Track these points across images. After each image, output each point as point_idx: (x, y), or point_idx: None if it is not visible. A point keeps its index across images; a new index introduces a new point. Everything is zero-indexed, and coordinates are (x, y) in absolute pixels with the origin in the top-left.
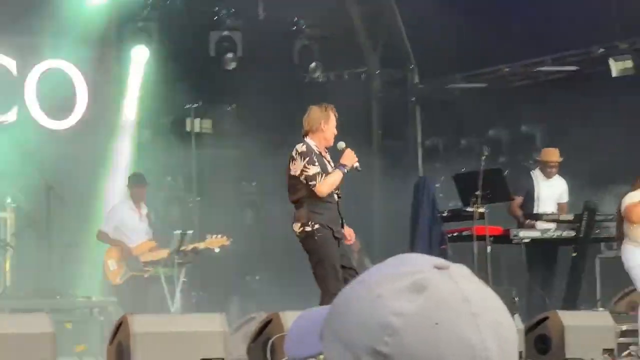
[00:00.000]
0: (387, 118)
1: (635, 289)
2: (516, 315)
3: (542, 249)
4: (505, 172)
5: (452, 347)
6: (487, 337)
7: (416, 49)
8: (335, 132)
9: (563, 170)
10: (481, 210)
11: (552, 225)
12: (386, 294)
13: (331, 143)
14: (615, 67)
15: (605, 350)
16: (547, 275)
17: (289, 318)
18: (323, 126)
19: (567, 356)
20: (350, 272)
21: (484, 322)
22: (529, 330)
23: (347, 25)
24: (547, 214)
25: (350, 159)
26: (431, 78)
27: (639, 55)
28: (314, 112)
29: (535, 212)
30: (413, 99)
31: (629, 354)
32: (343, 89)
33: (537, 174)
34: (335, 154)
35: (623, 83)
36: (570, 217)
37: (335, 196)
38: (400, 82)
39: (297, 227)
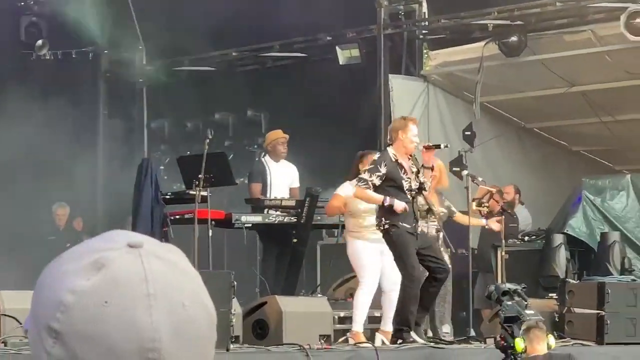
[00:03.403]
0: (113, 98)
1: (353, 277)
2: (234, 300)
3: (278, 233)
4: (230, 156)
5: (119, 326)
6: (159, 319)
7: (145, 30)
8: (416, 141)
9: (289, 157)
10: (204, 193)
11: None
12: (70, 271)
13: (411, 151)
14: (342, 55)
15: (322, 336)
16: (279, 260)
17: (6, 297)
18: (401, 136)
19: (285, 341)
20: (431, 259)
21: (161, 304)
22: (247, 315)
23: (76, 4)
24: (270, 200)
25: (399, 208)
26: (159, 60)
27: (365, 44)
28: (394, 123)
29: (268, 197)
30: (140, 80)
31: (345, 340)
32: (70, 68)
33: (267, 160)
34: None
35: (349, 70)
36: (292, 202)
37: (409, 194)
38: (128, 63)
39: (378, 222)
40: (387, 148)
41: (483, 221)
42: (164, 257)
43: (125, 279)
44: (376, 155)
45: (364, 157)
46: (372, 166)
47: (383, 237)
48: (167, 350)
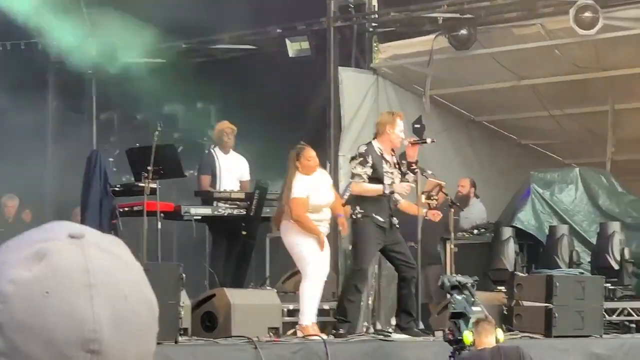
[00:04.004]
0: (63, 89)
1: None
2: (183, 292)
3: (228, 226)
4: (179, 149)
5: (60, 317)
6: (100, 310)
7: (94, 21)
8: (402, 136)
9: (238, 148)
10: (153, 185)
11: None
12: (11, 261)
13: (397, 146)
14: (292, 48)
15: (271, 329)
16: (228, 252)
17: None
18: (388, 130)
19: (233, 334)
20: (398, 257)
21: (102, 294)
22: (195, 307)
23: None
24: (219, 192)
25: (401, 190)
26: (108, 51)
27: (315, 36)
28: (382, 117)
29: (217, 189)
30: (90, 71)
31: (294, 333)
32: (19, 59)
33: (217, 151)
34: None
35: (299, 63)
36: (241, 195)
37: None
38: (78, 55)
39: (352, 211)
40: (372, 141)
41: (423, 211)
42: (105, 248)
43: (66, 269)
44: (362, 148)
45: (300, 154)
46: (361, 159)
47: (351, 224)
48: (108, 341)
